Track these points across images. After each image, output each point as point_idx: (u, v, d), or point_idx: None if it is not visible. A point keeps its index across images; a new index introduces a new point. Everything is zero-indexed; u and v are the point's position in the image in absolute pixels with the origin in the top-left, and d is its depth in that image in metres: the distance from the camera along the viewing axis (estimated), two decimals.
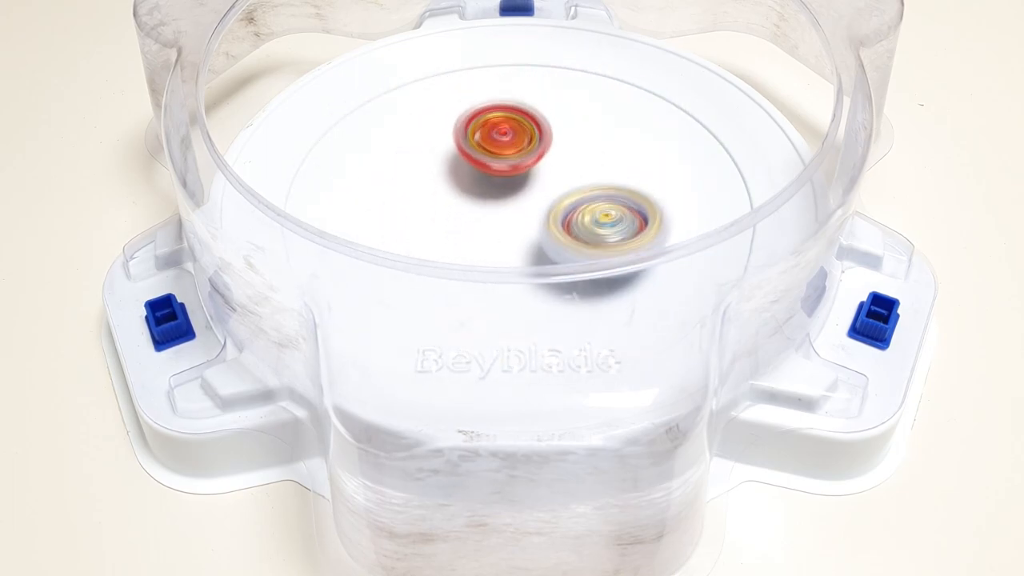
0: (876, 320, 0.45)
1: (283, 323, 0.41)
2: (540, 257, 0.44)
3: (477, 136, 0.47)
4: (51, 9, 0.63)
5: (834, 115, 0.44)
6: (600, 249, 0.42)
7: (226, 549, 0.43)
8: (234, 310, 0.43)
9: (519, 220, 0.46)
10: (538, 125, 0.47)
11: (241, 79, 0.57)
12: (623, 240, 0.42)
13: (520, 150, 0.46)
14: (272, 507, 0.43)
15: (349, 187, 0.47)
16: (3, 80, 0.59)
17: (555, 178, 0.47)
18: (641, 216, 0.43)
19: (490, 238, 0.46)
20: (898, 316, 0.45)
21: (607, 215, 0.43)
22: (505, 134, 0.46)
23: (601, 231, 0.43)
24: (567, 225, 0.43)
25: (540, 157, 0.46)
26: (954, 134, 0.56)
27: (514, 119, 0.47)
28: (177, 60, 0.47)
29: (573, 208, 0.44)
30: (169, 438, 0.43)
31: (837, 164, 0.45)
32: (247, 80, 0.57)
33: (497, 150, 0.46)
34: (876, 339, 0.45)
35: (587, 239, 0.43)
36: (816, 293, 0.44)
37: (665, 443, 0.37)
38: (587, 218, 0.43)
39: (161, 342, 0.45)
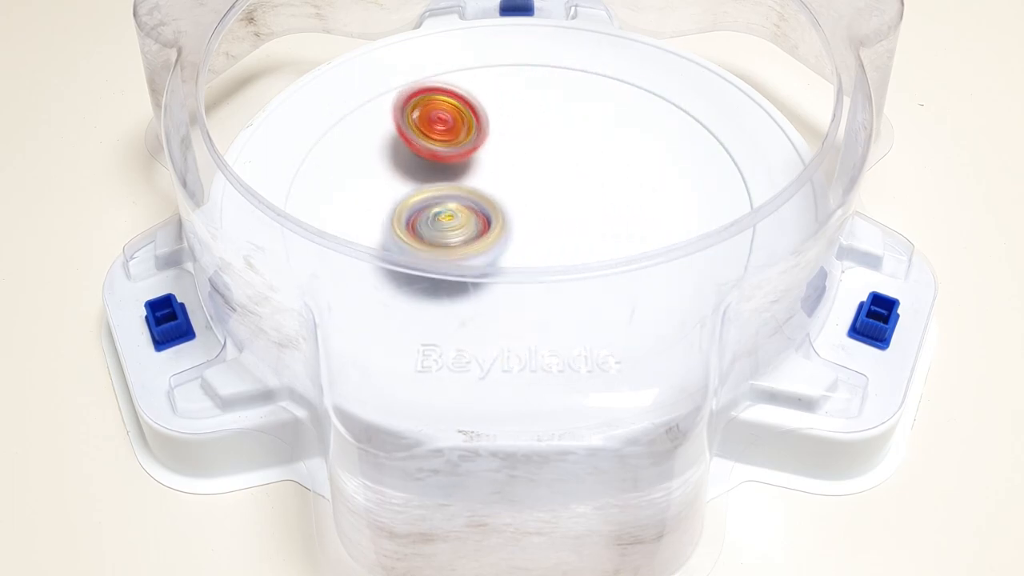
0: (876, 320, 0.45)
1: (283, 323, 0.41)
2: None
3: (416, 115, 0.47)
4: (51, 9, 0.63)
5: (834, 115, 0.44)
6: (440, 250, 0.42)
7: (226, 549, 0.43)
8: (234, 310, 0.43)
9: (518, 218, 0.46)
10: (477, 118, 0.47)
11: (241, 79, 0.57)
12: (464, 242, 0.42)
13: (453, 141, 0.47)
14: (272, 507, 0.43)
15: (349, 187, 0.47)
16: (3, 80, 0.59)
17: (560, 179, 0.47)
18: (485, 218, 0.43)
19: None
20: (898, 316, 0.45)
21: (450, 216, 0.43)
22: (444, 122, 0.47)
23: (443, 232, 0.42)
24: (411, 225, 0.43)
25: (471, 151, 0.47)
26: (954, 134, 0.56)
27: (457, 108, 0.47)
28: (177, 60, 0.47)
29: (419, 208, 0.44)
30: (169, 438, 0.43)
31: (837, 164, 0.45)
32: (247, 80, 0.57)
33: (432, 135, 0.47)
34: (876, 339, 0.45)
35: (430, 239, 0.42)
36: (816, 293, 0.44)
37: (665, 443, 0.37)
38: (431, 218, 0.43)
39: (161, 342, 0.45)
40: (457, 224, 0.43)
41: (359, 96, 0.51)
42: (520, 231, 0.46)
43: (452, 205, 0.43)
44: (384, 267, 0.40)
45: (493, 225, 0.43)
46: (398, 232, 0.42)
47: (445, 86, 0.48)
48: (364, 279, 0.41)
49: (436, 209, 0.43)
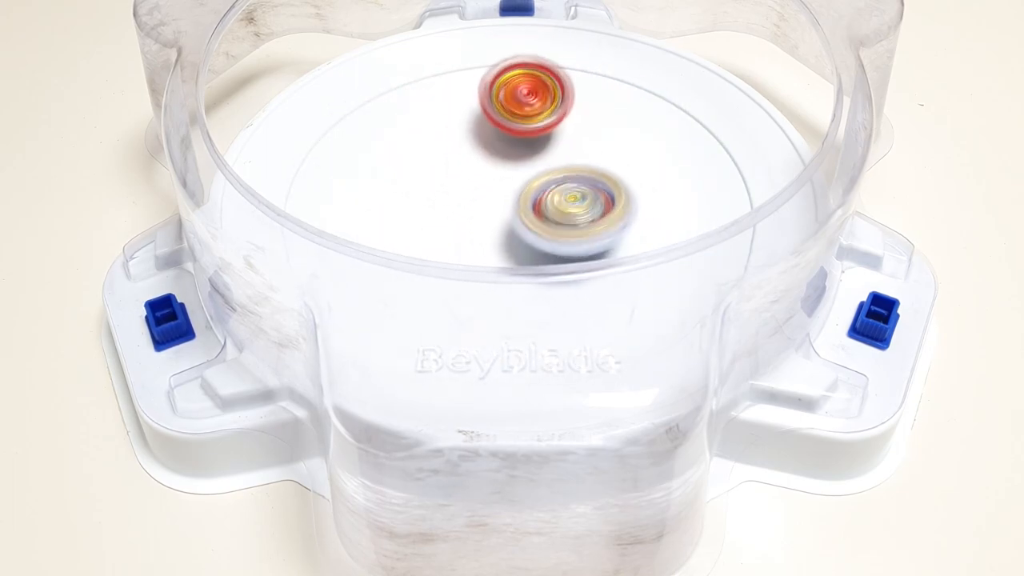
0: (876, 320, 0.45)
1: (283, 323, 0.41)
2: (531, 252, 0.44)
3: (501, 96, 0.47)
4: (51, 9, 0.63)
5: (834, 115, 0.44)
6: (572, 230, 0.43)
7: (226, 549, 0.43)
8: (234, 310, 0.43)
9: (518, 219, 0.46)
10: (561, 85, 0.48)
11: (241, 79, 0.57)
12: (593, 220, 0.43)
13: (541, 114, 0.47)
14: (272, 507, 0.43)
15: (349, 187, 0.47)
16: (3, 80, 0.59)
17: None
18: (607, 195, 0.44)
19: (490, 238, 0.46)
20: (898, 316, 0.45)
21: (574, 196, 0.44)
22: (530, 94, 0.47)
23: (571, 210, 0.43)
24: (537, 209, 0.44)
25: (562, 118, 0.47)
26: (954, 134, 0.56)
27: (536, 76, 0.48)
28: (177, 60, 0.47)
29: (541, 191, 0.44)
30: (169, 438, 0.43)
31: (837, 164, 0.45)
32: (247, 80, 0.57)
33: (521, 112, 0.47)
34: (876, 339, 0.45)
35: (558, 220, 0.43)
36: (816, 293, 0.44)
37: (665, 443, 0.37)
38: (556, 199, 0.44)
39: (161, 342, 0.45)
40: (583, 205, 0.43)
41: (359, 96, 0.51)
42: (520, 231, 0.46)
43: (572, 185, 0.44)
44: (384, 267, 0.40)
45: (617, 202, 0.44)
46: (524, 218, 0.43)
47: (522, 60, 0.48)
48: (364, 279, 0.41)
49: (560, 190, 0.44)
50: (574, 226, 0.43)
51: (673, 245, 0.39)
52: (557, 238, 0.43)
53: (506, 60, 0.48)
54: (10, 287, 0.50)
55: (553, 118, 0.47)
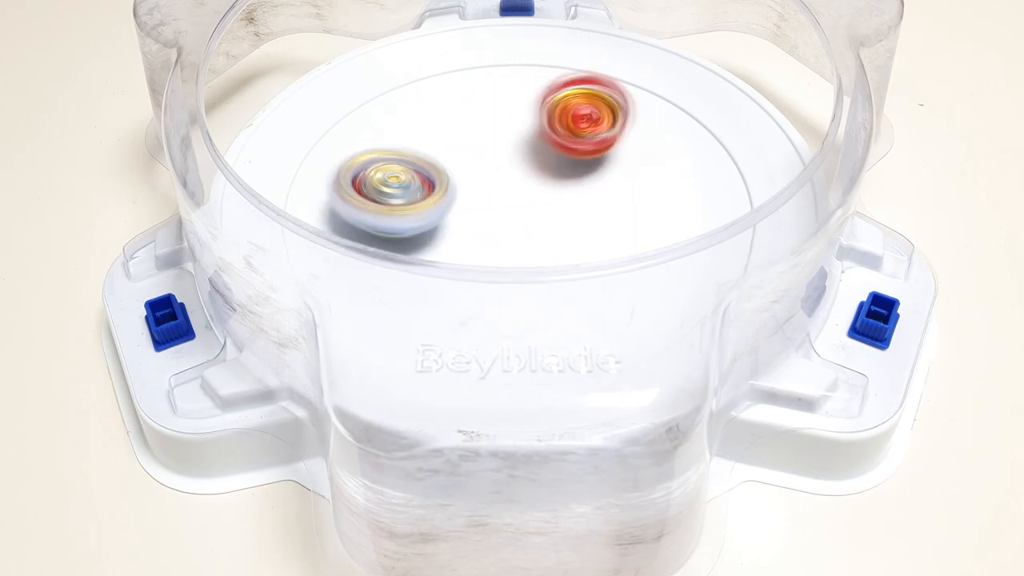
0: (876, 320, 0.45)
1: (283, 323, 0.41)
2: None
3: (558, 116, 0.46)
4: (51, 9, 0.63)
5: (834, 115, 0.44)
6: (385, 208, 0.43)
7: (226, 549, 0.43)
8: (234, 310, 0.43)
9: (518, 219, 0.46)
10: (623, 99, 0.47)
11: (241, 79, 0.57)
12: (406, 204, 0.44)
13: (600, 131, 0.46)
14: (272, 507, 0.43)
15: None
16: (3, 80, 0.59)
17: (561, 179, 0.47)
18: (429, 183, 0.44)
19: (489, 237, 0.46)
20: (898, 316, 0.45)
21: (396, 177, 0.44)
22: (589, 118, 0.46)
23: (387, 190, 0.44)
24: (357, 183, 0.44)
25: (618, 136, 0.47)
26: (954, 134, 0.56)
27: (598, 96, 0.47)
28: (177, 60, 0.47)
29: (365, 167, 0.44)
30: (169, 438, 0.43)
31: (837, 164, 0.45)
32: (247, 80, 0.57)
33: (581, 130, 0.46)
34: (876, 339, 0.45)
35: (374, 197, 0.44)
36: (816, 293, 0.44)
37: (665, 443, 0.37)
38: (377, 177, 0.44)
39: (161, 342, 0.45)
40: (404, 186, 0.44)
41: (359, 96, 0.51)
42: (520, 231, 0.46)
43: (397, 167, 0.44)
44: (384, 267, 0.40)
45: (437, 188, 0.44)
46: (344, 189, 0.43)
47: (579, 76, 0.48)
48: (364, 279, 0.41)
49: (384, 168, 0.44)
50: (386, 206, 0.44)
51: (673, 245, 0.39)
52: (380, 214, 0.43)
53: (563, 77, 0.47)
54: (10, 287, 0.50)
55: (611, 133, 0.47)
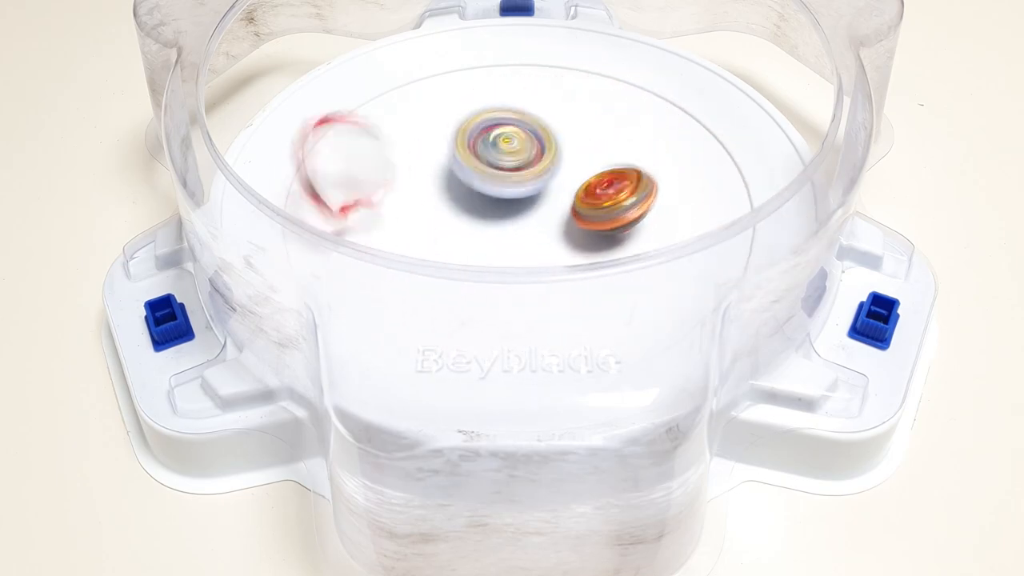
0: (876, 320, 0.45)
1: (283, 323, 0.41)
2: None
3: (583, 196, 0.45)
4: (51, 9, 0.63)
5: (834, 115, 0.44)
6: (493, 173, 0.45)
7: (226, 549, 0.43)
8: (234, 310, 0.43)
9: (518, 219, 0.46)
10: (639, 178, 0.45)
11: (241, 79, 0.57)
12: (517, 167, 0.45)
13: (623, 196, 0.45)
14: (272, 507, 0.43)
15: None
16: (3, 80, 0.59)
17: (561, 179, 0.47)
18: (540, 146, 0.46)
19: (489, 237, 0.46)
20: (898, 316, 0.45)
21: (507, 139, 0.45)
22: (608, 187, 0.45)
23: (500, 155, 0.45)
24: (473, 144, 0.45)
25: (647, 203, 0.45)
26: (954, 134, 0.56)
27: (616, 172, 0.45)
28: (177, 60, 0.47)
29: (481, 128, 0.46)
30: (169, 438, 0.43)
31: (837, 164, 0.45)
32: (247, 80, 0.57)
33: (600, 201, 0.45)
34: (876, 339, 0.45)
35: (487, 159, 0.45)
36: (816, 293, 0.44)
37: (665, 443, 0.37)
38: (491, 139, 0.45)
39: (161, 342, 0.45)
40: (514, 148, 0.45)
41: (359, 96, 0.51)
42: (520, 231, 0.46)
43: (511, 129, 0.46)
44: (385, 267, 0.40)
45: (546, 153, 0.45)
46: (460, 152, 0.45)
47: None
48: (364, 279, 0.41)
49: (496, 132, 0.46)
50: (500, 168, 0.45)
51: (673, 245, 0.39)
52: (491, 179, 0.45)
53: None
54: (10, 287, 0.50)
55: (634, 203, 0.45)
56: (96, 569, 0.42)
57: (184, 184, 0.43)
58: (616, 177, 0.45)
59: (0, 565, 0.42)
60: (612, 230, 0.44)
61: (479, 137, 0.46)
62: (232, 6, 0.49)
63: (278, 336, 0.42)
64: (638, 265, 0.39)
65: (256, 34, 0.55)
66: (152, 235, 0.48)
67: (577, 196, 0.45)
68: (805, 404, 0.42)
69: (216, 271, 0.43)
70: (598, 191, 0.44)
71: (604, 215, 0.44)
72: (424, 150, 0.49)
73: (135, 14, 0.48)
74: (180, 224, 0.48)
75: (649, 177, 0.45)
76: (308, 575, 0.42)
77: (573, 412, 0.38)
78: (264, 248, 0.42)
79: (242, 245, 0.42)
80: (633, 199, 0.44)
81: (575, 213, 0.45)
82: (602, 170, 0.45)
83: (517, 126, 0.46)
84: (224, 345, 0.44)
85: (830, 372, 0.43)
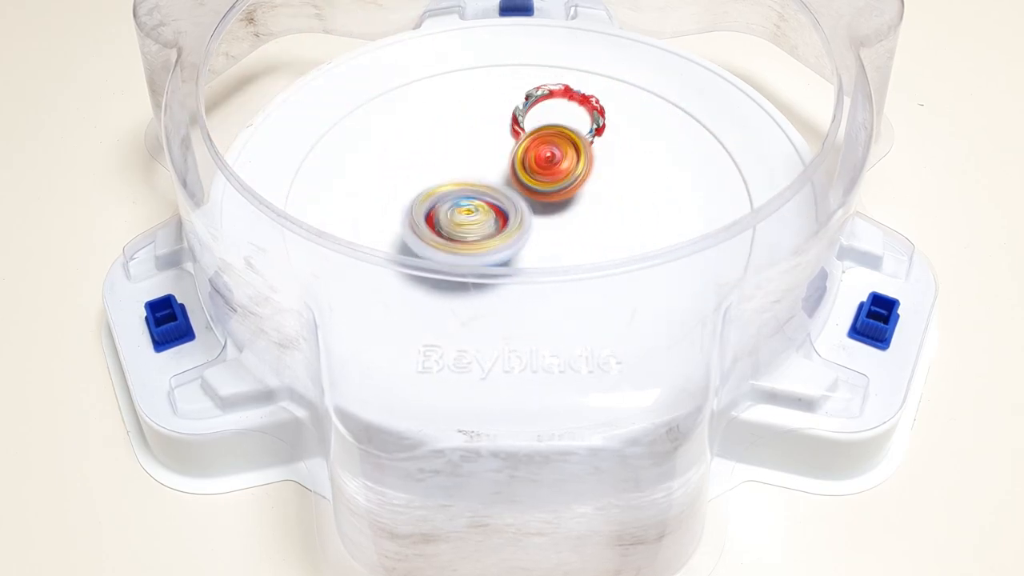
0: (876, 320, 0.45)
1: (284, 323, 0.41)
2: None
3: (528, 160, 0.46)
4: (51, 9, 0.63)
5: (834, 115, 0.44)
6: (456, 245, 0.42)
7: (226, 549, 0.43)
8: (235, 311, 0.43)
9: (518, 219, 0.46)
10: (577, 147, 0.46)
11: (241, 79, 0.57)
12: (479, 239, 0.42)
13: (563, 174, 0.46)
14: (272, 507, 0.43)
15: (349, 187, 0.47)
16: (3, 80, 0.59)
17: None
18: (504, 215, 0.43)
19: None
20: (898, 316, 0.45)
21: (468, 211, 0.43)
22: (552, 158, 0.45)
23: (461, 226, 0.42)
24: (430, 218, 0.43)
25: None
26: (954, 134, 0.56)
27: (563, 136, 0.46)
28: (177, 60, 0.47)
29: (439, 201, 0.43)
30: (169, 438, 0.43)
31: (837, 164, 0.45)
32: (247, 80, 0.57)
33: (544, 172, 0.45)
34: (876, 339, 0.45)
35: (448, 233, 0.42)
36: (817, 293, 0.44)
37: (666, 443, 0.37)
38: (449, 213, 0.43)
39: (161, 343, 0.45)
40: (476, 220, 0.43)
41: (359, 96, 0.51)
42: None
43: (473, 201, 0.43)
44: (385, 267, 0.40)
45: (511, 222, 0.43)
46: (417, 224, 0.42)
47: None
48: (365, 279, 0.41)
49: (452, 204, 0.43)
50: (463, 241, 0.42)
51: (673, 245, 0.39)
52: (452, 252, 0.42)
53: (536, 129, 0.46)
54: (10, 287, 0.50)
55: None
56: (96, 569, 0.42)
57: (184, 184, 0.43)
58: (548, 142, 0.45)
59: (0, 565, 0.42)
60: (567, 197, 0.46)
61: (437, 210, 0.43)
62: (232, 6, 0.49)
63: (278, 336, 0.42)
64: (638, 265, 0.39)
65: (256, 34, 0.55)
66: (152, 235, 0.48)
67: (520, 171, 0.45)
68: (805, 404, 0.42)
69: (216, 271, 0.43)
70: (547, 163, 0.45)
71: (561, 187, 0.45)
72: (424, 150, 0.49)
73: (135, 14, 0.48)
74: (180, 224, 0.48)
75: (577, 133, 0.46)
76: (308, 575, 0.42)
77: (574, 412, 0.38)
78: (264, 248, 0.42)
79: (242, 246, 0.42)
80: (582, 165, 0.45)
81: (525, 188, 0.45)
82: (525, 135, 0.46)
83: (479, 198, 0.44)
84: (224, 345, 0.44)
85: (830, 372, 0.43)
